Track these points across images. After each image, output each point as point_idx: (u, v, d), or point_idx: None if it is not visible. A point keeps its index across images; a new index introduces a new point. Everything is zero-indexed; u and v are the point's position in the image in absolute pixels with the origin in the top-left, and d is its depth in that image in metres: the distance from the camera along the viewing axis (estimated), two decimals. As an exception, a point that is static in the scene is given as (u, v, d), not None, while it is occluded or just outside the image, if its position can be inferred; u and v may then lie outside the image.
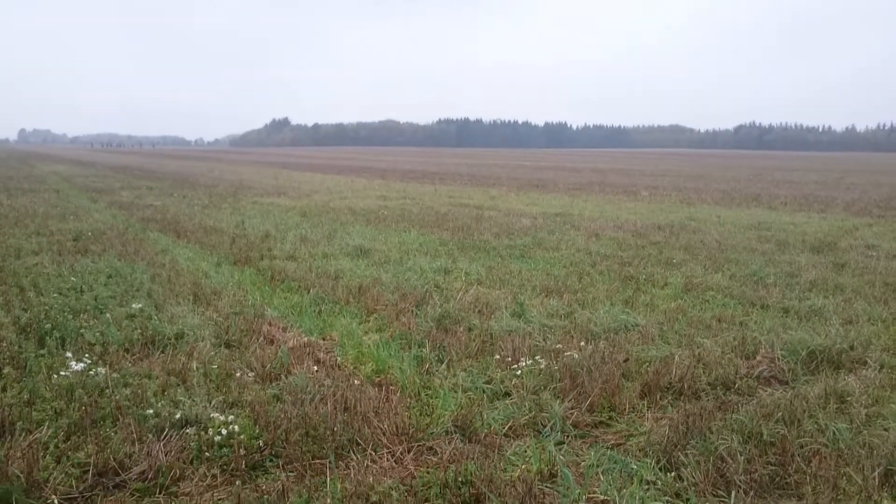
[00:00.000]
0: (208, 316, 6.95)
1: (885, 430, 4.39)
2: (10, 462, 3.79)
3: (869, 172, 52.96)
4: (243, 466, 3.96)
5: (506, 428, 4.55)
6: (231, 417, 4.39)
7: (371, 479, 3.82)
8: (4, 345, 5.82)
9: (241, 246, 11.64)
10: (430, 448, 4.28)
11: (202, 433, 4.22)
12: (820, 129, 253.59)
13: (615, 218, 17.12)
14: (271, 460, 4.09)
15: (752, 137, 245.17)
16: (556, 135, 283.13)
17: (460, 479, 3.79)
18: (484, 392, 5.13)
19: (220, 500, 3.69)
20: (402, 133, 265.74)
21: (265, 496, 3.66)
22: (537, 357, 5.67)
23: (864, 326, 6.90)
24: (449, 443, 4.30)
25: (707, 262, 10.56)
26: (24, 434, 4.19)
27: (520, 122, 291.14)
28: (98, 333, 6.14)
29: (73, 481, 3.76)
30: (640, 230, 14.54)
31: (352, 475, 3.88)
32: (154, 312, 6.95)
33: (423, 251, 11.39)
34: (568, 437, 4.49)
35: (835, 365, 5.77)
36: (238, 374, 5.30)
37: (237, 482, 3.82)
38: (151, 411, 4.49)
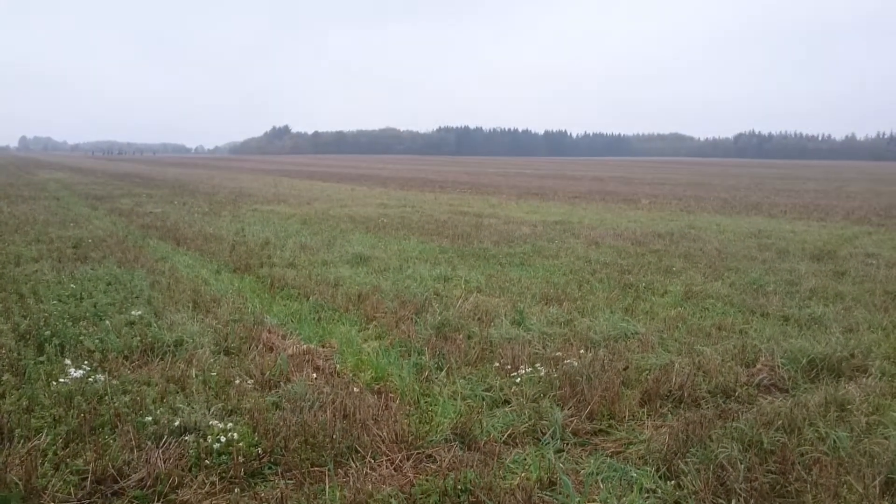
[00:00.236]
0: (208, 323, 6.95)
1: (886, 438, 4.38)
2: (8, 469, 3.78)
3: (869, 181, 53.01)
4: (242, 474, 3.95)
5: (505, 436, 4.54)
6: (230, 425, 4.37)
7: (370, 487, 3.81)
8: (4, 351, 5.81)
9: (240, 253, 11.64)
10: (430, 456, 4.27)
11: (201, 440, 4.20)
12: (820, 138, 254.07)
13: (615, 226, 17.13)
14: (270, 468, 4.08)
15: (752, 146, 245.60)
16: (557, 143, 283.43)
17: (459, 487, 3.79)
18: (483, 400, 5.12)
19: (218, 507, 3.68)
20: (402, 141, 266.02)
21: (264, 504, 3.65)
22: (537, 365, 5.66)
23: (864, 334, 6.89)
24: (448, 451, 4.29)
25: (707, 271, 10.56)
26: (22, 441, 4.18)
27: (520, 130, 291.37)
28: (97, 340, 6.13)
29: (72, 488, 3.75)
30: (640, 238, 14.54)
31: (351, 483, 3.87)
32: (153, 319, 6.94)
33: (422, 259, 11.39)
34: (567, 444, 4.48)
35: (835, 373, 5.76)
36: (237, 382, 5.29)
37: (236, 490, 3.82)
38: (150, 418, 4.48)
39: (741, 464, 3.96)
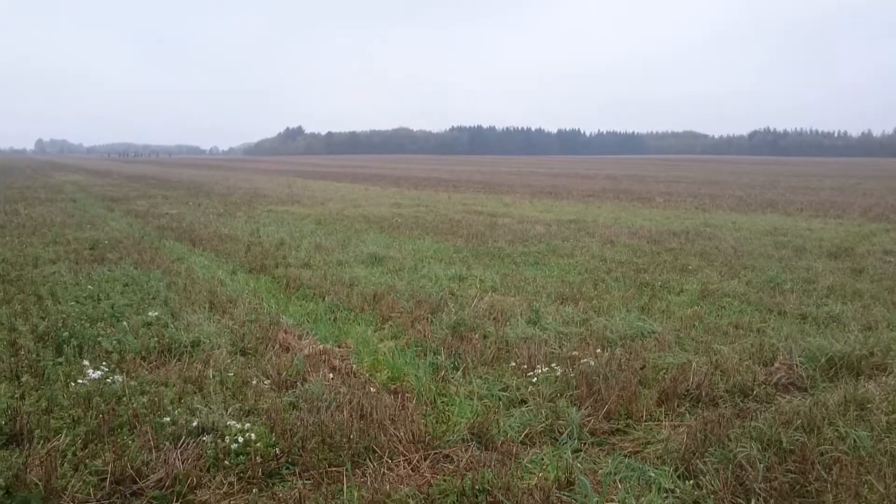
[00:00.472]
0: (224, 324, 6.98)
1: (907, 437, 4.33)
2: (28, 470, 3.82)
3: (886, 178, 52.49)
4: (260, 474, 3.97)
5: (522, 435, 4.53)
6: (247, 425, 4.39)
7: (388, 487, 3.81)
8: (23, 353, 5.87)
9: (256, 254, 11.69)
10: (447, 456, 4.27)
11: (219, 441, 4.23)
12: (836, 135, 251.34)
13: (630, 224, 17.05)
14: (288, 468, 4.09)
15: (767, 143, 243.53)
16: (570, 141, 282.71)
17: (477, 488, 3.78)
18: (500, 399, 5.11)
19: (236, 507, 3.69)
20: (415, 141, 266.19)
21: (282, 504, 3.66)
22: (553, 364, 5.65)
23: (883, 332, 6.82)
24: (465, 450, 4.29)
25: (723, 269, 10.49)
26: (42, 442, 4.21)
27: (533, 129, 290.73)
28: (115, 341, 6.18)
29: (91, 489, 3.78)
30: (656, 237, 14.47)
31: (368, 483, 3.87)
32: (170, 320, 6.99)
33: (437, 258, 11.39)
34: (585, 444, 4.46)
35: (854, 371, 5.71)
36: (254, 382, 5.31)
37: (254, 490, 3.83)
38: (168, 419, 4.51)
39: (760, 463, 3.92)
